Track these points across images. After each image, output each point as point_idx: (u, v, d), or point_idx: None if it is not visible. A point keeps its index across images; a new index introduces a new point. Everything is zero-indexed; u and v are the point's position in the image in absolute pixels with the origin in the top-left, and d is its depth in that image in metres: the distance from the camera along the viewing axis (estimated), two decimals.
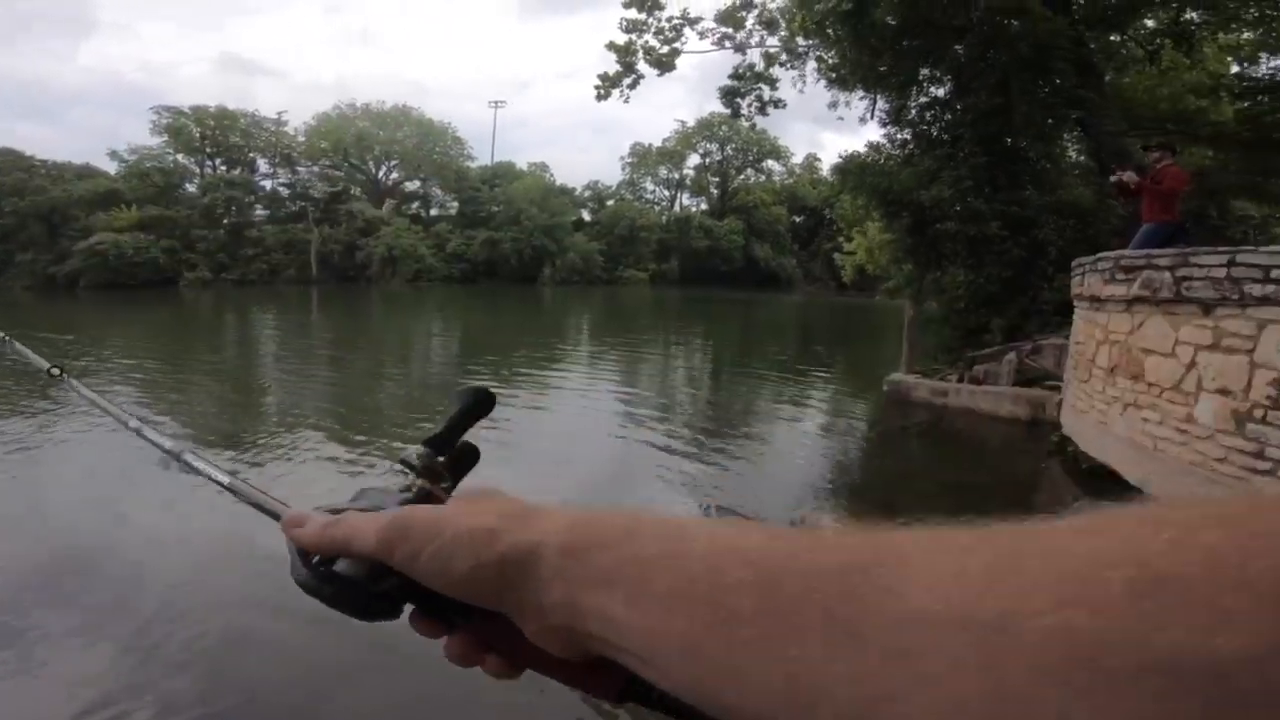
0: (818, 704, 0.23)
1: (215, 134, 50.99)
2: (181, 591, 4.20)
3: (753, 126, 55.11)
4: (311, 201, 51.56)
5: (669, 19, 19.24)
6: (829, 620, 0.23)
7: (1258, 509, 0.19)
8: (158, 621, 3.83)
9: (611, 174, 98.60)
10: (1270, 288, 4.86)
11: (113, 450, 6.61)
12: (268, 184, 53.88)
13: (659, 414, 9.95)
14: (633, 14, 19.19)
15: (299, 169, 55.04)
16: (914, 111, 14.32)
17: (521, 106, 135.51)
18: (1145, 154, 8.91)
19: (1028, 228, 11.90)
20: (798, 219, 66.98)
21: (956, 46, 13.18)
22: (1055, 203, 12.37)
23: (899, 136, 14.57)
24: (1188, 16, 15.47)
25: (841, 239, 34.04)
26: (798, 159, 70.99)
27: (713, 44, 19.70)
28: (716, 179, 68.41)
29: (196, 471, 0.52)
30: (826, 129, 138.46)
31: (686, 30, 19.38)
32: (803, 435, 9.31)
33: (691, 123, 67.39)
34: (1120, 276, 6.40)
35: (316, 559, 0.39)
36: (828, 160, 67.93)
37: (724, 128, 63.32)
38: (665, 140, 67.67)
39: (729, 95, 20.31)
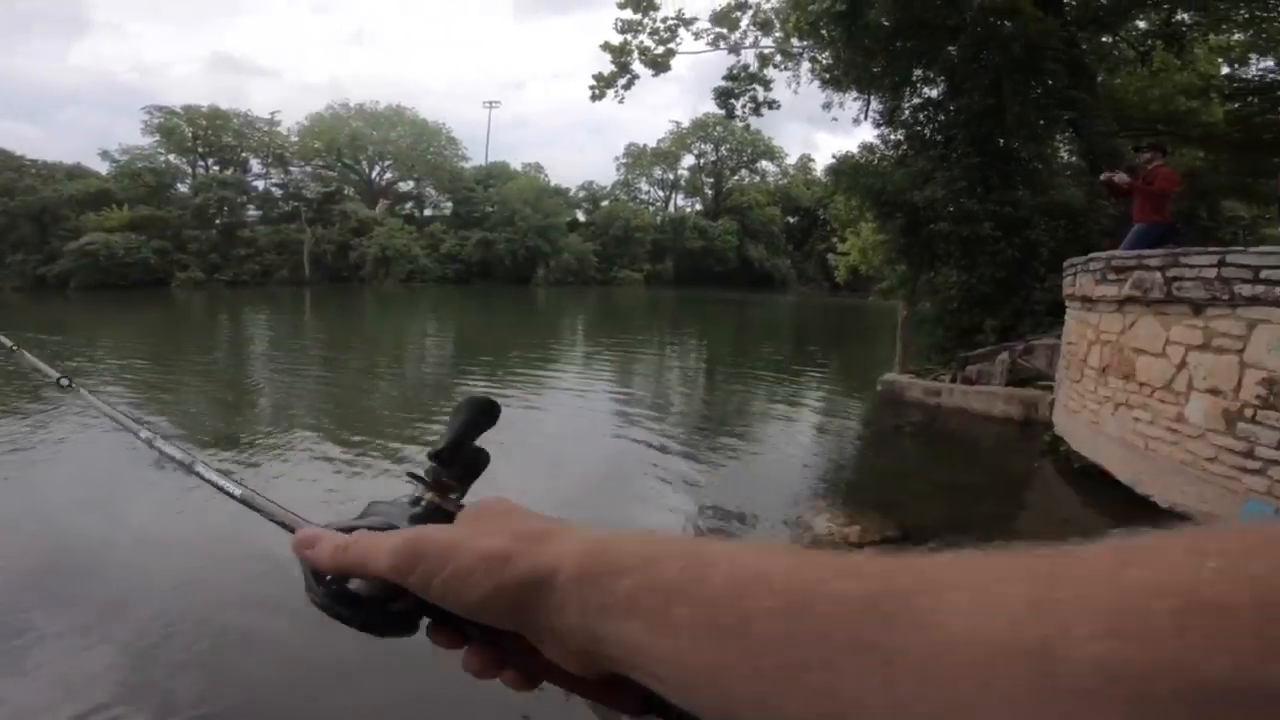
0: None
1: (208, 134, 50.80)
2: (181, 591, 4.19)
3: (747, 127, 54.84)
4: (304, 202, 51.39)
5: (664, 19, 19.28)
6: (862, 648, 0.23)
7: None
8: (157, 621, 3.82)
9: (606, 174, 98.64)
10: (1260, 288, 4.90)
11: (111, 451, 6.60)
12: (260, 184, 53.79)
13: (654, 414, 9.96)
14: (628, 14, 19.21)
15: (292, 169, 54.95)
16: (907, 112, 14.37)
17: (516, 107, 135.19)
18: (1136, 155, 8.95)
19: (1020, 228, 11.96)
20: (792, 220, 67.09)
21: (950, 47, 13.24)
22: (1047, 203, 12.43)
23: (892, 137, 14.62)
24: (1179, 18, 15.60)
25: (835, 239, 34.18)
26: (792, 160, 71.12)
27: (707, 44, 19.73)
28: (711, 179, 68.49)
29: (208, 482, 0.51)
30: (820, 130, 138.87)
31: (681, 31, 19.41)
32: (797, 435, 9.34)
33: (686, 123, 67.51)
34: (1112, 277, 6.44)
35: (330, 577, 0.39)
36: (822, 161, 68.02)
37: (718, 128, 63.35)
38: (660, 141, 67.83)
39: (723, 96, 20.33)
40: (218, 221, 48.04)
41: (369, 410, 10.14)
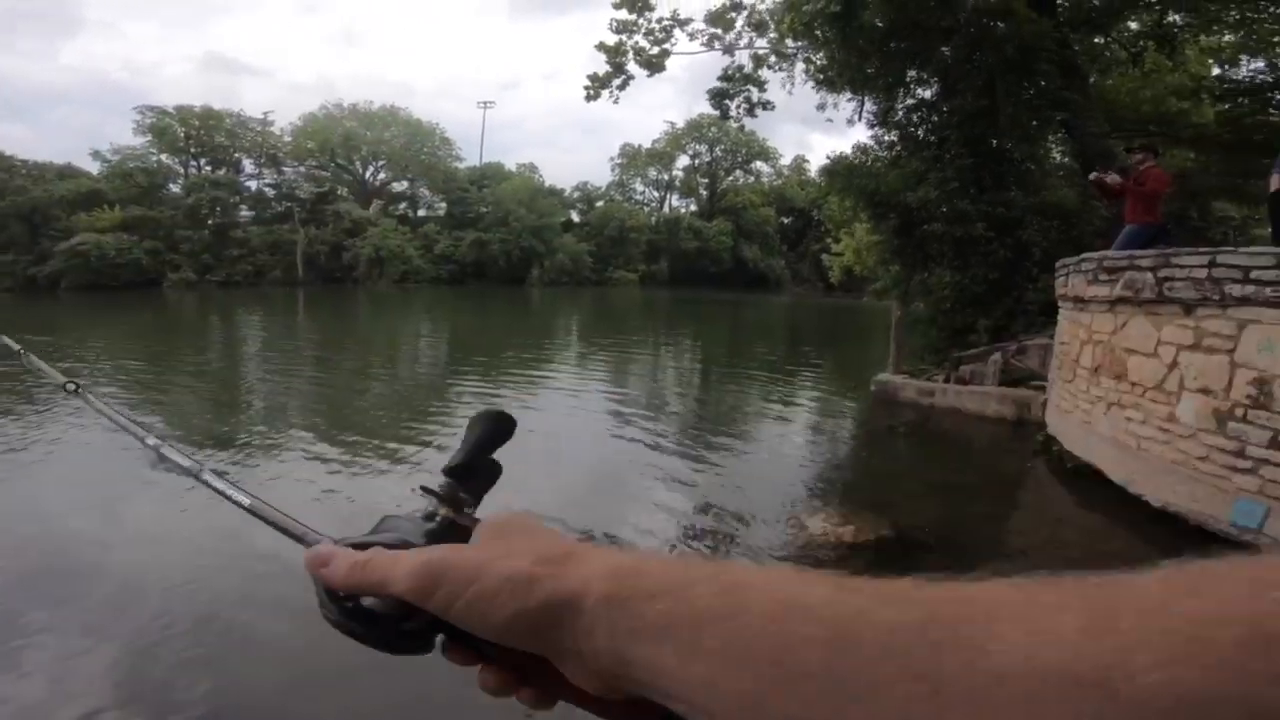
0: None
1: (200, 134, 50.49)
2: (182, 591, 4.17)
3: (741, 128, 55.35)
4: (297, 202, 51.17)
5: (659, 20, 19.31)
6: (911, 678, 0.23)
7: None
8: (158, 621, 3.81)
9: (601, 175, 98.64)
10: (1250, 288, 4.94)
11: (111, 451, 6.56)
12: (253, 184, 53.48)
13: (648, 414, 9.96)
14: (623, 15, 19.23)
15: (285, 169, 54.63)
16: (901, 113, 14.41)
17: (510, 107, 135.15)
18: (1128, 156, 9.01)
19: (1013, 229, 12.01)
20: (786, 220, 67.22)
21: (943, 48, 13.28)
22: (1040, 204, 12.49)
23: (886, 138, 14.66)
24: (1170, 19, 15.69)
25: (829, 240, 34.19)
26: (786, 160, 71.33)
27: (702, 45, 19.77)
28: (705, 180, 68.55)
29: (216, 491, 0.51)
30: (815, 130, 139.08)
31: (676, 31, 19.44)
32: (791, 435, 9.35)
33: (681, 124, 67.67)
34: (1103, 277, 6.48)
35: (343, 593, 0.38)
36: (816, 162, 68.48)
37: (713, 129, 63.50)
38: (655, 141, 67.91)
39: (718, 97, 20.40)
40: (210, 222, 47.79)
41: (363, 411, 10.11)
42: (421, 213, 61.01)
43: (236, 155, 53.10)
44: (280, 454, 7.27)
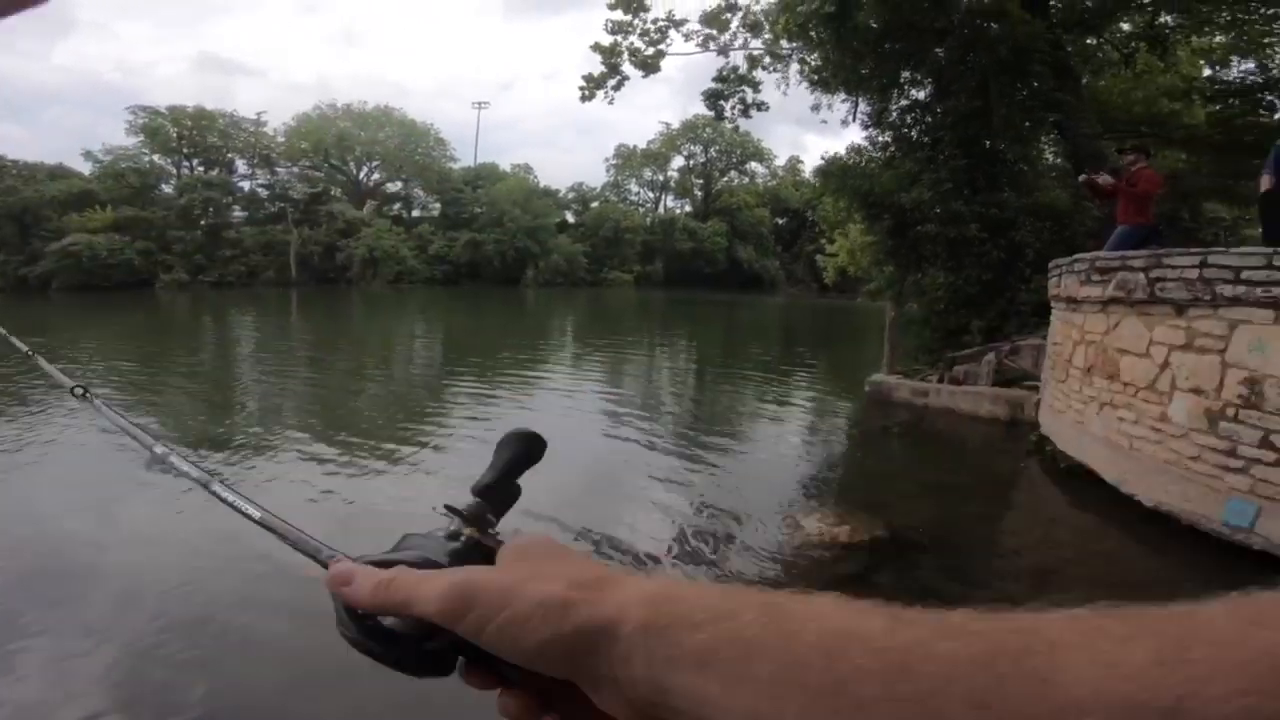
0: None
1: (193, 134, 50.28)
2: (180, 592, 4.17)
3: (736, 129, 55.45)
4: (291, 202, 51.00)
5: (654, 21, 19.28)
6: (975, 710, 0.22)
7: None
8: (157, 622, 3.81)
9: (596, 176, 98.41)
10: (1241, 288, 4.98)
11: (111, 451, 6.53)
12: (246, 185, 53.27)
13: (643, 414, 9.97)
14: (618, 15, 19.21)
15: (278, 170, 54.44)
16: (895, 114, 14.46)
17: (505, 108, 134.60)
18: (1120, 157, 9.06)
19: (1006, 229, 12.07)
20: (780, 221, 67.31)
21: (937, 49, 13.33)
22: (1033, 205, 12.55)
23: (880, 139, 14.71)
24: (1162, 20, 15.78)
25: (824, 241, 34.25)
26: (781, 161, 71.47)
27: (697, 46, 19.77)
28: (700, 181, 68.62)
29: (225, 503, 0.50)
30: (809, 131, 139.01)
31: (671, 32, 19.43)
32: (786, 435, 9.38)
33: (676, 125, 67.71)
34: (1096, 278, 6.51)
35: (363, 611, 0.38)
36: (810, 162, 68.30)
37: (708, 130, 63.50)
38: (650, 142, 67.91)
39: (712, 98, 20.39)
40: (203, 222, 47.61)
41: (358, 412, 10.09)
42: (416, 213, 60.93)
43: (229, 156, 52.95)
44: (276, 455, 7.25)
